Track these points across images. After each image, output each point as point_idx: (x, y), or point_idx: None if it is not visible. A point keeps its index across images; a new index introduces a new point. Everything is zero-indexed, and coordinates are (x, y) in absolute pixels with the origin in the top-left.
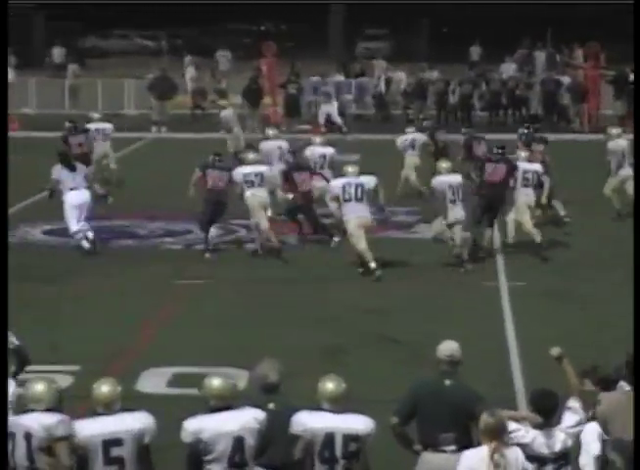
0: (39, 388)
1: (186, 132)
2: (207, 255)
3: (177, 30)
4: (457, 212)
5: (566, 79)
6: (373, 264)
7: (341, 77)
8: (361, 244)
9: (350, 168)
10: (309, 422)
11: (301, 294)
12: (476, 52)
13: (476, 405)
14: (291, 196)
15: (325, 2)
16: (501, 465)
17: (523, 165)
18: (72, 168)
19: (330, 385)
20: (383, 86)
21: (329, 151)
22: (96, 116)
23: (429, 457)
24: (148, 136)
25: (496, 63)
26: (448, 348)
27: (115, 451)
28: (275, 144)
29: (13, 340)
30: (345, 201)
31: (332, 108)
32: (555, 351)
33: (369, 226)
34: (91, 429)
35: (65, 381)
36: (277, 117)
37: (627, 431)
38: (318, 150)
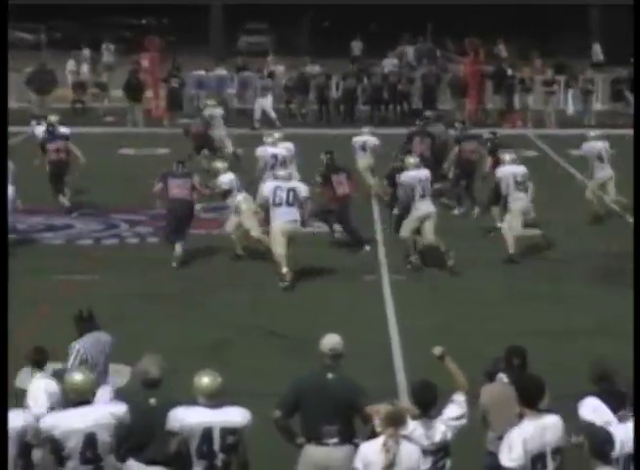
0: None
1: (67, 126)
2: (174, 264)
3: (57, 24)
4: (427, 207)
5: (446, 74)
6: (284, 270)
7: (223, 71)
8: (280, 249)
9: (282, 171)
10: (186, 418)
11: (187, 291)
12: (357, 47)
13: (358, 398)
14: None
15: None
16: (391, 451)
17: (512, 169)
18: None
19: (205, 379)
20: (269, 81)
21: (281, 151)
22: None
23: (311, 450)
24: (28, 130)
25: (377, 57)
26: (331, 341)
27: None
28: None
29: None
30: (275, 205)
31: (267, 102)
32: (437, 350)
33: (296, 232)
34: None
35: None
36: (159, 111)
37: (507, 422)
38: (270, 149)
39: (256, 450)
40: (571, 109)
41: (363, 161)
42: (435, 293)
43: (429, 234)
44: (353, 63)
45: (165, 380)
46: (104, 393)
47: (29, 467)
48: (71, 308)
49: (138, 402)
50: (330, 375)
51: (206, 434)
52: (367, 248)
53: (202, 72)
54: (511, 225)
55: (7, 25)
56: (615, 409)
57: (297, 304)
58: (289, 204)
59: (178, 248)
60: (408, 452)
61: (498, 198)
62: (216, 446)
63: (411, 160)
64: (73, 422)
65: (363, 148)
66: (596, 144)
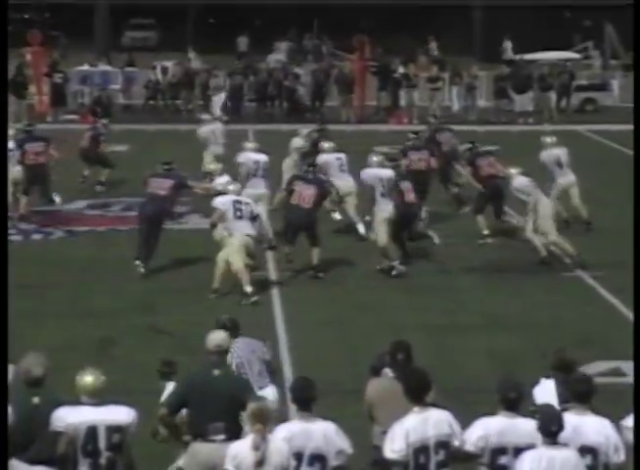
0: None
1: None
2: (142, 270)
3: None
4: (389, 207)
5: (333, 70)
6: (248, 289)
7: (107, 67)
8: (240, 263)
9: (232, 186)
10: (69, 417)
11: (74, 288)
12: (243, 42)
13: (245, 394)
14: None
15: None
16: (260, 448)
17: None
18: None
19: (88, 378)
20: (160, 76)
21: (262, 157)
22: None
23: (198, 447)
24: None
25: (263, 53)
26: (217, 338)
27: None
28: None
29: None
30: (237, 218)
31: (219, 100)
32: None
33: (252, 245)
34: None
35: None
36: (43, 106)
37: (393, 416)
38: (252, 156)
39: (142, 448)
40: (455, 105)
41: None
42: (323, 288)
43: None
44: (240, 59)
45: (49, 379)
46: None
47: None
48: None
49: (21, 401)
50: (217, 371)
51: (91, 432)
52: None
53: (86, 68)
54: (548, 230)
55: (7, 26)
56: (563, 400)
57: (182, 299)
58: (250, 217)
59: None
60: (277, 448)
61: (483, 206)
62: (101, 444)
63: (374, 157)
64: None
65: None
66: (553, 151)
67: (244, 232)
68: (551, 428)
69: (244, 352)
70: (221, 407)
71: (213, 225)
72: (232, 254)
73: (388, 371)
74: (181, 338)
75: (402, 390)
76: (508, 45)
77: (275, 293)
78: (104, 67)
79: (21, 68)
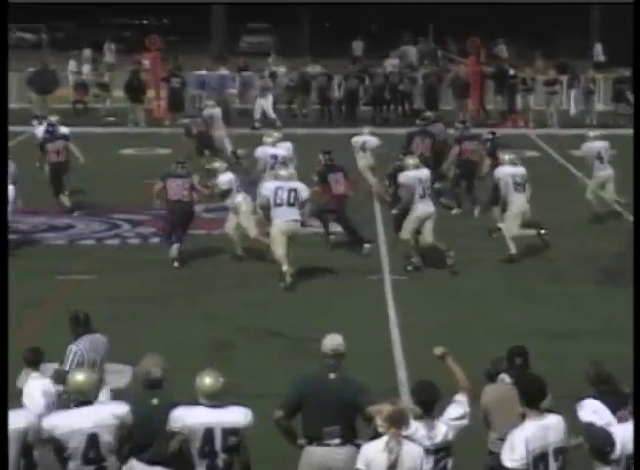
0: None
1: (68, 126)
2: (176, 264)
3: (58, 24)
4: (427, 207)
5: (448, 74)
6: (284, 269)
7: (224, 71)
8: (280, 250)
9: (283, 172)
10: (187, 418)
11: (187, 291)
12: (358, 47)
13: (360, 398)
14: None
15: None
16: (394, 452)
17: (511, 170)
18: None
19: (207, 380)
20: (269, 81)
21: (281, 151)
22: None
23: (313, 451)
24: (29, 130)
25: (379, 58)
26: (333, 341)
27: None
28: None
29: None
30: (277, 205)
31: (267, 102)
32: (438, 350)
33: (297, 232)
34: None
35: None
36: (161, 111)
37: (509, 423)
38: (269, 150)
39: (258, 451)
40: (573, 109)
41: (363, 161)
42: (437, 293)
43: (427, 235)
44: (355, 63)
45: (167, 380)
46: (104, 393)
47: (31, 467)
48: (72, 309)
49: (140, 403)
50: (332, 375)
51: (208, 434)
52: (367, 246)
53: (203, 72)
54: (508, 226)
55: (7, 26)
56: (614, 410)
57: (300, 303)
58: (289, 204)
59: (174, 249)
60: (410, 452)
61: (498, 198)
62: (218, 446)
63: (410, 160)
64: (76, 422)
65: (363, 148)
66: (595, 144)
67: (285, 218)
68: (604, 450)
69: (89, 352)
70: (336, 411)
71: (262, 209)
72: (272, 240)
73: (504, 376)
74: (295, 341)
75: (518, 395)
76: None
77: (389, 297)
78: (221, 71)
79: (136, 72)
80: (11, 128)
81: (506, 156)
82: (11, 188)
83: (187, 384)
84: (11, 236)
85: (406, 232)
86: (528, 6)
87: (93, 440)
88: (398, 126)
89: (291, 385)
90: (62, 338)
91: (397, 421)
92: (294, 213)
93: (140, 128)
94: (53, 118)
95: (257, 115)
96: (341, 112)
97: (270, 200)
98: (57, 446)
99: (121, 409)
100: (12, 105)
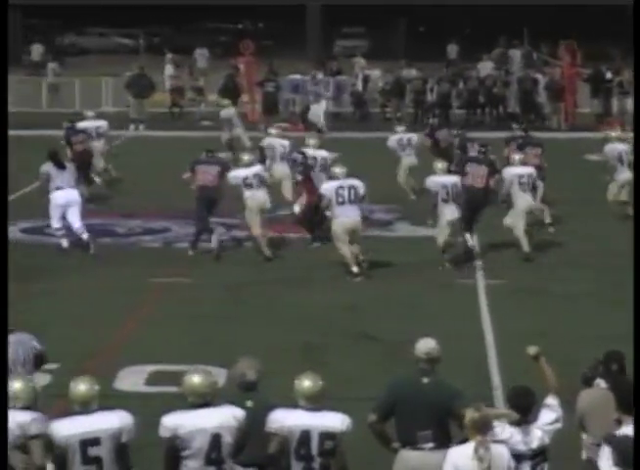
0: (17, 385)
1: (164, 130)
2: (191, 252)
3: (155, 29)
4: (452, 212)
5: (543, 77)
6: (355, 269)
7: (319, 75)
8: (344, 248)
9: (338, 169)
10: (285, 420)
11: (280, 293)
12: (453, 50)
13: (454, 402)
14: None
15: (302, 0)
16: (485, 459)
17: (516, 170)
18: (62, 167)
19: (306, 382)
20: (360, 84)
21: (321, 154)
22: (90, 113)
23: (407, 455)
24: (126, 134)
25: (473, 61)
26: (426, 345)
27: (93, 451)
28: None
29: (35, 344)
30: (339, 204)
31: (320, 107)
32: (532, 349)
33: (358, 228)
34: (68, 428)
35: (43, 379)
36: (255, 115)
37: (605, 428)
38: (310, 153)
39: (351, 454)
40: None
41: (407, 159)
42: (531, 297)
43: (448, 236)
44: (448, 67)
45: (261, 383)
46: None
47: (128, 467)
48: (169, 310)
49: (235, 405)
50: (425, 379)
51: (304, 437)
52: (315, 244)
53: (297, 76)
54: (514, 224)
55: (7, 26)
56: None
57: (393, 307)
58: (351, 201)
59: (214, 241)
60: (499, 455)
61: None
62: (314, 449)
63: (439, 164)
64: (200, 422)
65: (409, 145)
66: (618, 146)
67: (347, 216)
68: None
69: (12, 350)
70: (430, 415)
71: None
72: (335, 239)
73: (600, 382)
74: (389, 344)
75: (615, 401)
76: None
77: (483, 301)
78: (315, 75)
79: (231, 76)
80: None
81: (517, 156)
82: (75, 192)
83: (281, 386)
84: (107, 239)
85: (441, 238)
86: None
87: (216, 440)
88: (492, 130)
89: (384, 389)
90: (157, 339)
91: (482, 427)
92: (355, 211)
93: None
94: (90, 113)
95: (318, 119)
96: (434, 115)
97: (332, 199)
98: (178, 445)
99: (240, 412)
100: (108, 109)
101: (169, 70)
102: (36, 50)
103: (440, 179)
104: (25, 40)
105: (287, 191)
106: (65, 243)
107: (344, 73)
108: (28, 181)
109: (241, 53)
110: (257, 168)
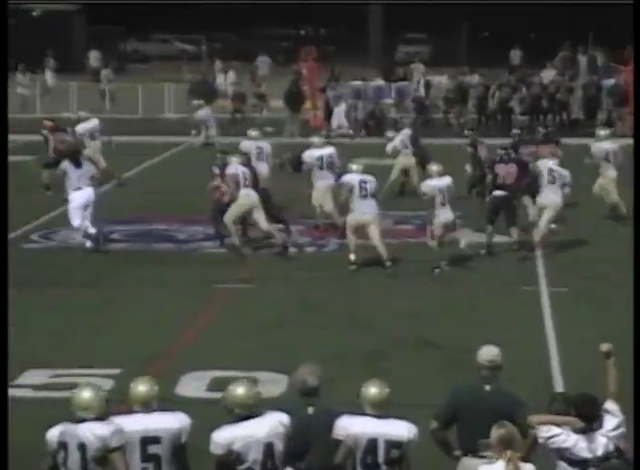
0: (87, 395)
1: (226, 136)
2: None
3: (217, 35)
4: (446, 215)
5: (608, 83)
6: (352, 257)
7: (380, 82)
8: (352, 237)
9: (355, 166)
10: (352, 427)
11: (341, 298)
12: (517, 56)
13: (516, 410)
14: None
15: (364, 5)
16: None
17: (547, 164)
18: (78, 165)
19: (373, 389)
20: (422, 90)
21: (327, 151)
22: (83, 114)
23: (468, 463)
24: (187, 141)
25: (537, 67)
26: (489, 353)
27: (153, 449)
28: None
29: None
30: (361, 197)
31: (340, 110)
32: (605, 346)
33: (374, 224)
34: (129, 425)
35: (105, 384)
36: (317, 121)
37: None
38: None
39: (413, 461)
40: None
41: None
42: (595, 304)
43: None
44: (512, 72)
45: (323, 389)
46: None
47: (185, 467)
48: (231, 315)
49: (296, 412)
50: (487, 387)
51: (371, 445)
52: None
53: (359, 82)
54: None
55: (7, 26)
56: None
57: (455, 314)
58: (372, 196)
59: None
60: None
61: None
62: (380, 457)
63: (434, 167)
64: (252, 433)
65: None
66: (603, 144)
67: (364, 212)
68: None
69: None
70: (492, 423)
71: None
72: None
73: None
74: (451, 352)
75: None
76: None
77: (546, 309)
78: (377, 81)
79: (295, 82)
80: (169, 139)
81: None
82: (90, 190)
83: (343, 393)
84: (168, 245)
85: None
86: None
87: (269, 449)
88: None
89: (446, 396)
90: (219, 345)
91: (509, 443)
92: (372, 207)
93: (295, 138)
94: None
95: (342, 122)
96: (496, 121)
97: (355, 191)
98: (233, 460)
99: (285, 417)
100: (171, 115)
101: (231, 76)
102: (94, 56)
103: (436, 183)
104: (88, 46)
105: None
106: (88, 243)
107: (408, 80)
108: None
109: (303, 59)
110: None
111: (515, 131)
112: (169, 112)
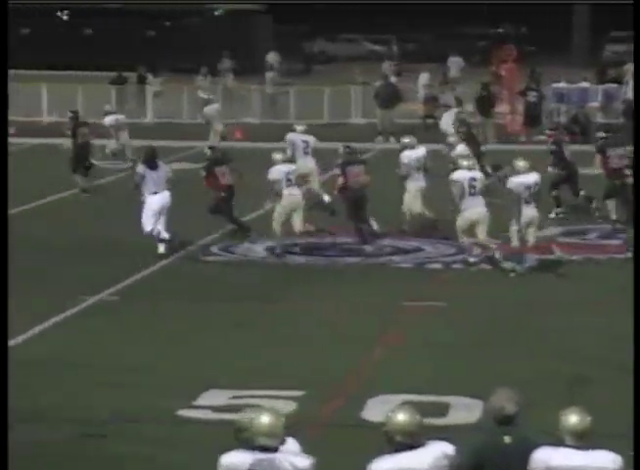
0: (269, 420)
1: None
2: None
3: (409, 34)
4: (530, 212)
5: None
6: (500, 260)
7: (585, 84)
8: (466, 239)
9: (465, 162)
10: (551, 460)
11: (535, 318)
12: None
13: None
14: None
15: (568, 4)
16: None
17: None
18: (154, 167)
19: (573, 418)
20: (630, 93)
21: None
22: (108, 107)
23: None
24: (374, 147)
25: None
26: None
27: None
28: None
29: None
30: (471, 195)
31: (449, 117)
32: None
33: (485, 220)
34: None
35: (287, 406)
36: (515, 125)
37: None
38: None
39: None
40: None
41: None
42: None
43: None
44: None
45: (520, 416)
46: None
47: None
48: (420, 335)
49: (492, 440)
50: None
51: None
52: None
53: (562, 85)
54: None
55: (7, 26)
56: None
57: None
58: (481, 193)
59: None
60: None
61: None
62: None
63: (520, 163)
64: (412, 466)
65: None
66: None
67: (477, 208)
68: None
69: None
70: None
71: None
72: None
73: None
74: None
75: None
76: None
77: None
78: (582, 83)
79: (487, 85)
80: (358, 144)
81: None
82: (167, 194)
83: (541, 421)
84: (355, 259)
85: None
86: None
87: None
88: None
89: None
90: (407, 366)
91: None
92: (482, 203)
93: (489, 144)
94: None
95: (448, 128)
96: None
97: (465, 190)
98: None
99: (450, 448)
100: (358, 120)
101: (425, 78)
102: (272, 57)
103: (523, 179)
104: (273, 47)
105: (315, 185)
106: (161, 248)
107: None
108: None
109: (502, 60)
110: (294, 166)
111: (600, 135)
112: (357, 117)
